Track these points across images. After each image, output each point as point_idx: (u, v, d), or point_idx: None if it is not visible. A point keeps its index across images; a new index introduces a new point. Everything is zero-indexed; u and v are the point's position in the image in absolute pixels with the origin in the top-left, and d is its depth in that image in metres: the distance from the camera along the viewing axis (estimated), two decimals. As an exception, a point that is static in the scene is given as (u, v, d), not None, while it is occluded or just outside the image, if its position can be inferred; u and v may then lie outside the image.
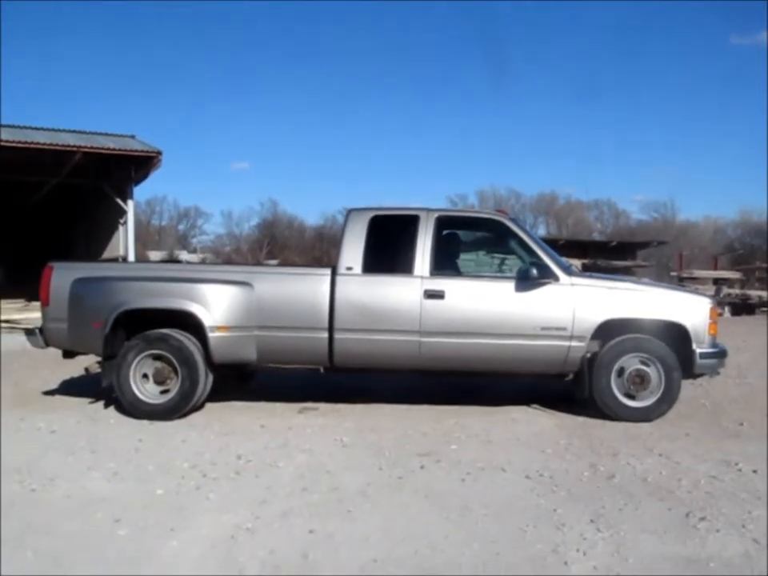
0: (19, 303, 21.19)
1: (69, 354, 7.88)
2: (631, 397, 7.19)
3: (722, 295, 28.34)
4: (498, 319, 7.25)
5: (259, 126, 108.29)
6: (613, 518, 4.45)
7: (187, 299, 7.24)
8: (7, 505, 4.62)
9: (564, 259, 8.09)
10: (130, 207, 23.95)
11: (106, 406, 7.64)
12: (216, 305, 7.23)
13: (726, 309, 27.20)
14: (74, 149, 21.33)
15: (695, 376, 7.49)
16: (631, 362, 7.20)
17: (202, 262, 36.39)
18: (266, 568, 3.68)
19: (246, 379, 8.78)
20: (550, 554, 3.88)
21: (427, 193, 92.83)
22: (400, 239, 7.57)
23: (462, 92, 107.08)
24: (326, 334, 7.31)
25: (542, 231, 73.06)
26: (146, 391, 7.25)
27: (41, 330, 7.68)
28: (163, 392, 7.26)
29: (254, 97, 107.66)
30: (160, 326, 7.32)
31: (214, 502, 4.71)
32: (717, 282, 31.28)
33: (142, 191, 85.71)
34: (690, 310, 7.34)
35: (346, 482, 5.13)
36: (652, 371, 7.18)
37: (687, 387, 8.32)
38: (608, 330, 7.22)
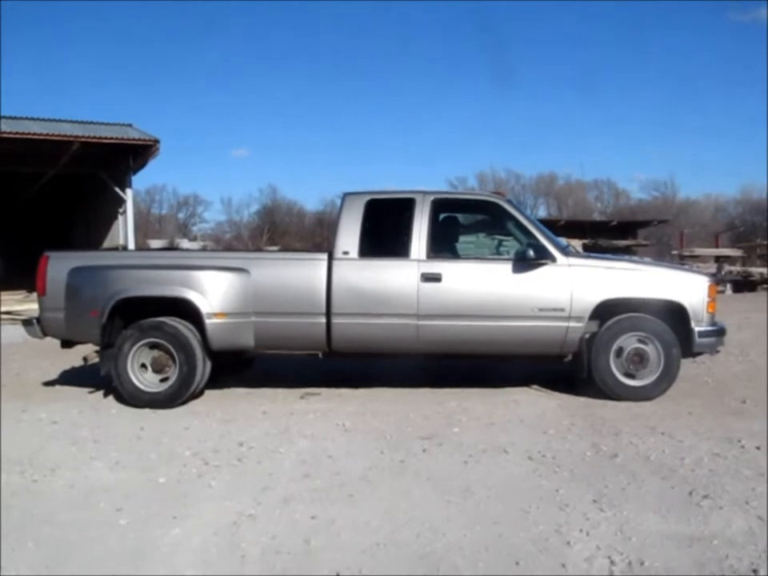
0: (20, 294, 21.16)
1: (67, 343, 7.86)
2: (630, 376, 7.18)
3: (723, 273, 28.34)
4: (495, 301, 7.24)
5: (257, 112, 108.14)
6: (615, 497, 4.44)
7: (184, 286, 7.22)
8: (9, 496, 4.62)
9: (562, 239, 8.06)
10: (128, 196, 23.92)
11: (106, 395, 7.64)
12: (213, 292, 7.21)
13: (728, 286, 27.21)
14: (72, 139, 21.28)
15: (694, 355, 7.45)
16: (630, 342, 7.18)
17: (203, 249, 36.32)
18: (268, 554, 3.68)
19: (245, 366, 8.77)
20: (552, 535, 3.87)
21: (427, 176, 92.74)
22: (396, 222, 7.56)
23: (461, 74, 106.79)
24: (323, 319, 7.29)
25: (542, 212, 73.13)
26: (145, 380, 7.24)
27: (38, 320, 7.65)
28: (162, 380, 7.25)
29: (251, 83, 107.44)
30: (157, 314, 7.29)
31: (216, 490, 4.71)
32: (718, 259, 31.21)
33: (140, 180, 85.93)
34: (689, 288, 7.31)
35: (347, 466, 5.13)
36: (651, 350, 7.16)
37: (689, 365, 8.32)
38: (606, 310, 7.19)
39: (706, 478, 4.78)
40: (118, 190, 23.65)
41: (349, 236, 7.43)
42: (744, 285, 27.27)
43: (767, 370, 8.50)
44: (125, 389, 7.23)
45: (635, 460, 5.20)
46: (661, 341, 7.14)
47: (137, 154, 23.24)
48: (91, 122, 24.09)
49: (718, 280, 26.59)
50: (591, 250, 28.96)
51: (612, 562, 3.54)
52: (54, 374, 9.04)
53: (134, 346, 7.22)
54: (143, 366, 7.26)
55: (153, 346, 7.26)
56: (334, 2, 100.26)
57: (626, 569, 3.47)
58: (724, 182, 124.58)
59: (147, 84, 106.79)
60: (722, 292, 26.10)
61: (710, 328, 7.25)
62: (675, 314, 7.21)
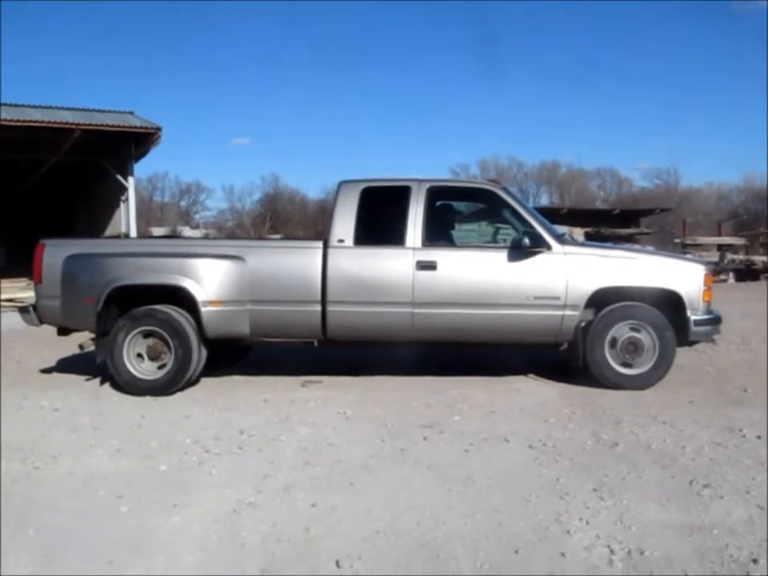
0: (22, 282, 21.17)
1: (63, 331, 7.88)
2: (626, 365, 7.18)
3: (726, 261, 28.28)
4: (490, 289, 7.24)
5: (260, 100, 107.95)
6: (616, 486, 4.43)
7: (179, 274, 7.23)
8: (10, 483, 4.63)
9: (557, 227, 8.05)
10: (130, 184, 23.91)
11: (102, 382, 7.65)
12: (208, 279, 7.22)
13: (731, 275, 27.15)
14: (73, 126, 21.24)
15: (691, 343, 7.44)
16: (625, 330, 7.18)
17: (206, 237, 36.30)
18: (268, 542, 3.68)
19: (241, 354, 8.78)
20: (552, 524, 3.87)
21: (429, 163, 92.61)
22: (392, 210, 7.55)
23: (463, 62, 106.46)
24: (318, 307, 7.30)
25: (544, 200, 73.15)
26: (141, 368, 7.26)
27: (34, 307, 7.67)
28: (157, 368, 7.26)
29: (253, 71, 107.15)
30: (153, 302, 7.30)
31: (216, 477, 4.71)
32: (721, 248, 31.13)
33: (142, 168, 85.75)
34: (684, 276, 7.30)
35: (348, 454, 5.13)
36: (646, 338, 7.16)
37: (690, 354, 8.33)
38: (602, 299, 7.19)
39: (707, 467, 4.77)
40: (119, 177, 23.62)
41: (344, 224, 7.43)
42: (747, 273, 27.20)
43: (767, 358, 8.48)
44: (120, 377, 7.24)
45: (636, 449, 5.20)
46: (656, 329, 7.13)
47: (138, 141, 23.20)
48: (92, 110, 24.03)
49: (720, 269, 26.65)
50: (594, 239, 28.96)
51: (612, 551, 3.53)
52: (54, 362, 9.04)
53: (129, 334, 7.23)
54: (139, 354, 7.27)
55: (148, 334, 7.27)
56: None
57: (625, 558, 3.47)
58: (727, 170, 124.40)
59: (149, 72, 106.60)
60: (725, 281, 26.10)
61: (705, 316, 7.23)
62: (671, 303, 7.20)
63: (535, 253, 7.21)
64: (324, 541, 3.69)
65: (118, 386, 7.30)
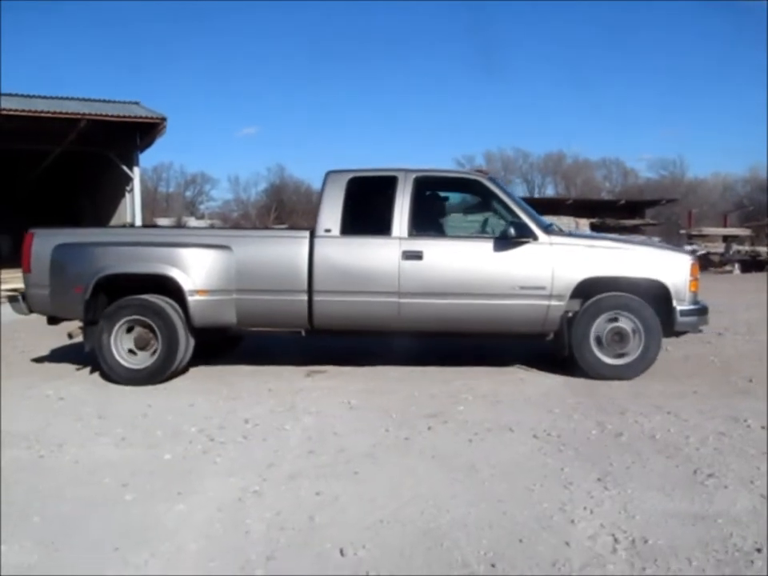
0: (28, 272, 21.18)
1: (53, 320, 7.92)
2: (611, 355, 7.19)
3: (731, 252, 28.25)
4: (476, 279, 7.25)
5: (265, 90, 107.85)
6: (620, 476, 4.44)
7: (166, 263, 7.26)
8: (15, 471, 4.65)
9: (545, 218, 8.07)
10: (136, 174, 23.90)
11: (92, 371, 7.70)
12: (195, 269, 7.25)
13: (736, 266, 27.12)
14: (79, 116, 21.21)
15: (678, 334, 7.45)
16: (610, 320, 7.19)
17: (210, 227, 36.32)
18: (273, 530, 3.69)
19: (233, 344, 8.83)
20: (556, 513, 3.87)
21: (434, 154, 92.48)
22: (378, 200, 7.57)
23: (467, 53, 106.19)
24: (305, 297, 7.33)
25: (550, 191, 72.98)
26: (127, 357, 7.29)
27: (23, 296, 7.71)
28: (144, 357, 7.29)
29: (259, 61, 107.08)
30: (142, 291, 7.33)
31: (221, 466, 4.73)
32: (726, 239, 31.08)
33: (147, 158, 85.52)
34: (671, 267, 7.29)
35: (352, 444, 5.14)
36: (631, 329, 7.16)
37: (695, 345, 8.33)
38: (588, 289, 7.20)
39: (711, 456, 4.77)
40: (125, 168, 23.61)
41: (331, 214, 7.45)
42: (752, 264, 27.16)
43: (766, 349, 8.46)
44: (107, 365, 7.27)
45: (640, 439, 5.20)
46: (641, 320, 7.14)
47: (144, 132, 23.18)
48: (98, 100, 24.03)
49: (725, 260, 26.62)
50: (599, 230, 28.99)
51: (616, 540, 3.54)
52: (61, 351, 9.06)
53: (116, 323, 7.25)
54: (126, 343, 7.29)
55: (135, 323, 7.29)
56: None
57: (629, 546, 3.47)
58: (732, 160, 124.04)
59: (154, 62, 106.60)
60: (730, 272, 26.07)
61: (692, 307, 7.23)
62: (657, 293, 7.21)
63: (521, 243, 7.22)
64: (328, 529, 3.70)
65: (107, 375, 7.33)
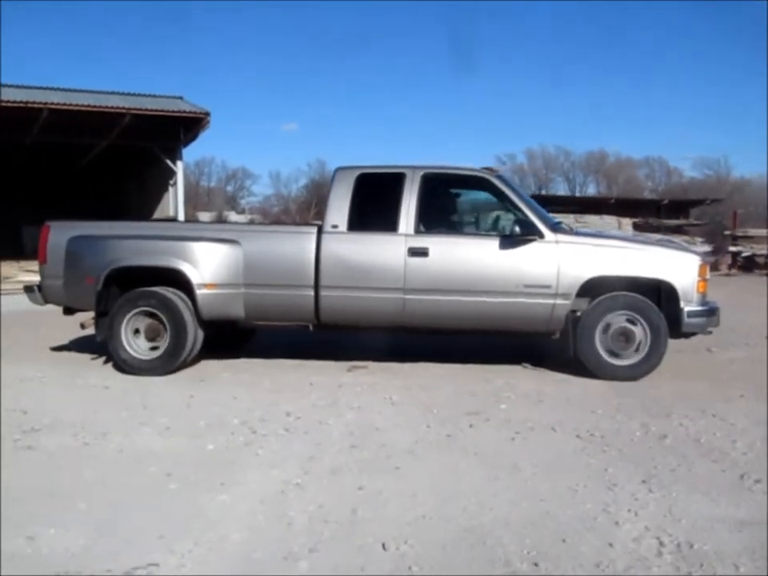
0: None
1: (68, 310, 8.07)
2: (616, 355, 7.14)
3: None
4: (481, 276, 7.24)
5: (308, 86, 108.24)
6: (665, 478, 4.38)
7: (176, 257, 7.37)
8: (61, 457, 4.72)
9: (553, 216, 8.06)
10: (179, 168, 24.10)
11: (106, 362, 7.82)
12: (204, 263, 7.35)
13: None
14: (124, 111, 21.46)
15: (685, 335, 7.35)
16: (616, 320, 7.15)
17: (250, 222, 36.52)
18: (315, 522, 3.70)
19: (246, 338, 8.93)
20: (600, 514, 3.84)
21: (475, 153, 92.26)
22: (386, 197, 7.58)
23: (510, 50, 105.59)
24: (311, 292, 7.39)
25: (591, 190, 72.32)
26: (138, 348, 7.40)
27: (39, 287, 7.89)
28: (153, 348, 7.42)
29: (303, 57, 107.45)
30: (153, 284, 7.44)
31: (263, 458, 4.75)
32: (772, 241, 30.51)
33: (190, 152, 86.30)
34: (678, 267, 7.21)
35: (394, 439, 5.13)
36: (637, 329, 7.11)
37: (741, 347, 8.20)
38: (594, 288, 7.15)
39: (758, 462, 4.69)
40: (168, 162, 23.83)
41: (338, 210, 7.51)
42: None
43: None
44: (118, 356, 7.39)
45: (685, 441, 5.13)
46: (647, 320, 7.08)
47: (187, 126, 23.37)
48: (142, 95, 24.29)
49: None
50: (642, 230, 28.66)
51: (661, 543, 3.49)
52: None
53: (126, 314, 7.37)
54: (136, 333, 7.41)
55: (146, 315, 7.40)
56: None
57: (674, 550, 3.42)
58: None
59: (198, 57, 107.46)
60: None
61: (699, 308, 7.14)
62: (664, 294, 7.16)
63: (527, 241, 7.20)
64: (370, 523, 3.70)
65: (118, 366, 7.45)
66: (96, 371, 7.44)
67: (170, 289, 7.39)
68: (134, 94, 24.08)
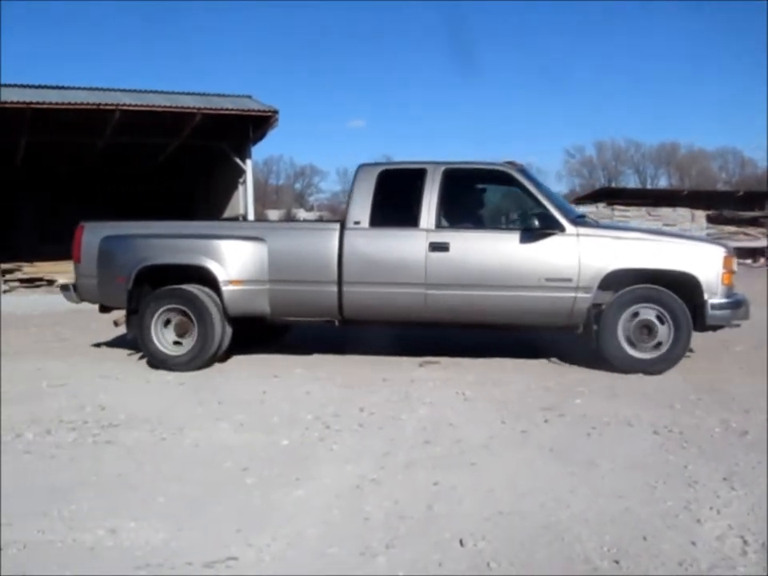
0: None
1: (104, 308, 8.29)
2: (639, 348, 7.05)
3: None
4: (502, 270, 7.25)
5: (374, 83, 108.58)
6: (747, 476, 4.26)
7: (202, 255, 7.54)
8: (139, 453, 4.81)
9: (576, 208, 8.01)
10: (248, 167, 24.27)
11: (141, 357, 7.96)
12: (230, 260, 7.50)
13: None
14: (194, 110, 21.72)
15: (714, 328, 7.23)
16: (638, 313, 7.06)
17: (319, 219, 36.74)
18: (392, 518, 3.69)
19: (281, 333, 9.04)
20: (682, 511, 3.75)
21: (543, 145, 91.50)
22: (408, 193, 7.64)
23: (580, 41, 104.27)
24: (335, 288, 7.46)
25: (663, 182, 71.05)
26: (167, 344, 7.56)
27: (74, 286, 8.13)
28: (183, 344, 7.57)
29: (368, 54, 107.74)
30: (183, 281, 7.59)
31: (337, 453, 4.77)
32: None
33: (258, 151, 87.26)
34: (702, 259, 7.11)
35: (468, 434, 5.10)
36: (660, 322, 7.01)
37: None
38: (615, 281, 7.07)
39: None
40: (238, 160, 24.02)
41: (361, 206, 7.58)
42: None
43: None
44: (148, 352, 7.59)
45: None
46: (670, 313, 6.97)
47: (256, 125, 23.53)
48: (211, 94, 24.53)
49: None
50: (716, 222, 28.08)
51: (745, 542, 3.40)
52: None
53: (155, 311, 7.53)
54: (166, 329, 7.58)
55: (176, 311, 7.54)
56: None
57: (759, 549, 3.32)
58: None
59: (265, 55, 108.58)
60: None
61: (724, 300, 7.02)
62: (688, 286, 7.02)
63: (548, 234, 7.17)
64: (447, 519, 3.68)
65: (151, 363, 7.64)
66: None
67: (198, 286, 7.55)
68: (203, 94, 24.32)
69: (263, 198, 61.18)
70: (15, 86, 21.63)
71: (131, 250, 7.72)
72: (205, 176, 28.89)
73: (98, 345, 9.24)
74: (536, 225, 7.15)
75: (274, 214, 52.37)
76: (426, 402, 6.02)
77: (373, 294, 7.44)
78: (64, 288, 8.33)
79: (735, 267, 7.32)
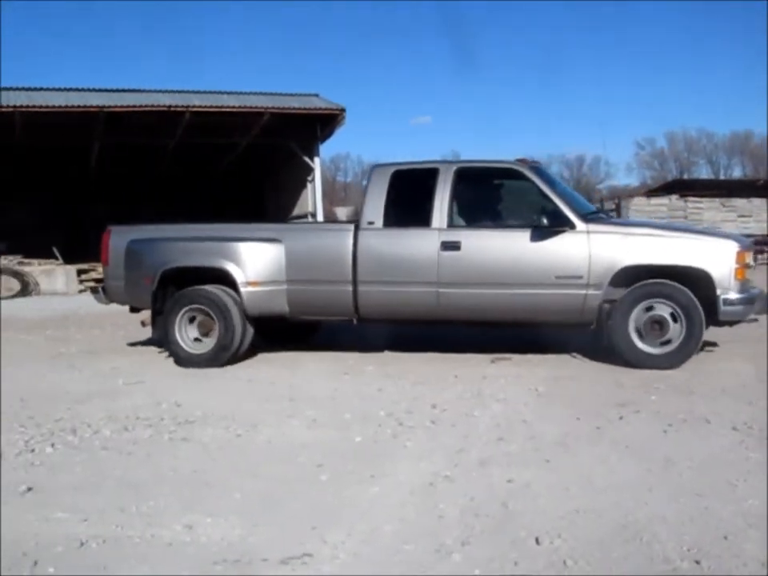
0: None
1: (134, 308, 8.57)
2: (651, 344, 6.97)
3: None
4: (513, 269, 7.27)
5: (441, 79, 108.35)
6: (833, 474, 4.15)
7: (222, 257, 7.75)
8: (216, 449, 4.89)
9: (590, 205, 8.16)
10: (316, 165, 24.42)
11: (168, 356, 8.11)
12: (248, 262, 7.68)
13: None
14: (262, 110, 21.94)
15: (728, 323, 7.12)
16: (650, 309, 6.99)
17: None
18: (467, 516, 3.68)
19: (310, 332, 9.12)
20: (764, 510, 3.65)
21: (614, 139, 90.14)
22: (420, 193, 7.70)
23: (650, 30, 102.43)
24: (350, 287, 7.56)
25: (737, 172, 69.32)
26: (190, 342, 7.77)
27: (104, 288, 8.43)
28: (205, 342, 7.78)
29: (434, 50, 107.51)
30: (206, 282, 7.77)
31: (411, 450, 4.77)
32: None
33: (326, 149, 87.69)
34: (714, 254, 7.00)
35: (542, 431, 5.06)
36: (671, 318, 6.91)
37: None
38: (626, 277, 7.01)
39: None
40: (306, 158, 24.19)
41: (374, 206, 7.69)
42: None
43: None
44: (172, 350, 7.82)
45: None
46: (682, 308, 6.86)
47: (324, 123, 23.67)
48: (279, 94, 24.71)
49: None
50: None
51: (830, 541, 3.31)
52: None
53: (179, 311, 7.72)
54: (189, 328, 7.78)
55: (199, 312, 7.72)
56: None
57: (844, 548, 3.24)
58: None
59: (332, 53, 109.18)
60: None
61: (738, 296, 6.89)
62: (700, 281, 6.89)
63: (558, 232, 7.16)
64: (522, 517, 3.65)
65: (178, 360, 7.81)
66: (242, 365, 7.72)
67: (219, 287, 7.73)
68: (271, 93, 24.51)
69: (331, 195, 61.53)
70: (89, 90, 22.15)
71: (156, 253, 7.99)
72: (273, 174, 29.12)
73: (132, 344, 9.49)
74: (547, 222, 7.17)
75: (342, 212, 52.42)
76: (498, 399, 6.00)
77: (387, 293, 7.55)
78: (94, 290, 8.73)
79: (750, 261, 7.23)
